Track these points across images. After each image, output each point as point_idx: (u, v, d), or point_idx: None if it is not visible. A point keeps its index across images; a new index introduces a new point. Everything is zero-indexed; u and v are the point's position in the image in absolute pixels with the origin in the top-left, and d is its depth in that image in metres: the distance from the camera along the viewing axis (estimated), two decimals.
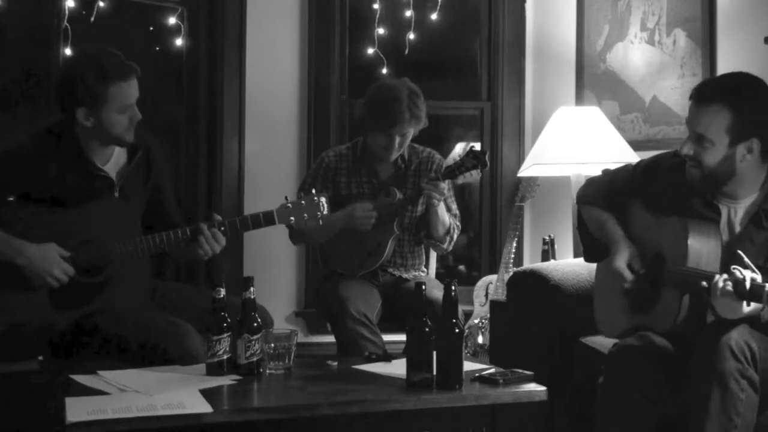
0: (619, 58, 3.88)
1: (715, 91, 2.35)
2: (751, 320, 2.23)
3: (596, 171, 3.48)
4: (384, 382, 2.27)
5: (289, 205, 2.65)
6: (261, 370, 2.29)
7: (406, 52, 4.24)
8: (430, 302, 2.59)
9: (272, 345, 2.32)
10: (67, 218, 2.59)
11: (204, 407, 1.96)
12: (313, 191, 2.70)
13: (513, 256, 3.78)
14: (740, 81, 2.39)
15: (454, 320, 2.16)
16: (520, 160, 4.17)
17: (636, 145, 3.55)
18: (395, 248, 3.28)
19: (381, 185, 3.28)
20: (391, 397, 2.12)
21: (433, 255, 3.56)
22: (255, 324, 2.27)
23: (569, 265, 3.05)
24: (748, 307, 2.16)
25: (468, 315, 3.78)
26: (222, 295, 2.29)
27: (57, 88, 2.60)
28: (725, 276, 2.18)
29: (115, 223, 2.63)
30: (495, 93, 4.30)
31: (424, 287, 2.20)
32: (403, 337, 2.26)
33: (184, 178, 4.11)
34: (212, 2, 4.03)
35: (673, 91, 3.57)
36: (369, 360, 2.55)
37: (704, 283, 2.21)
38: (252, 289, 2.30)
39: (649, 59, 3.71)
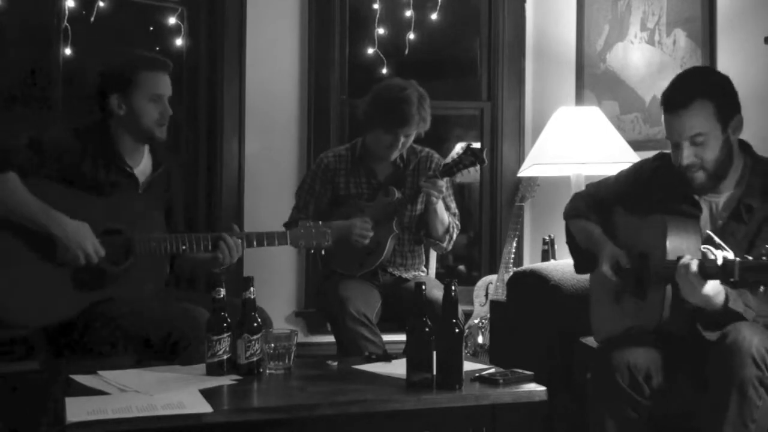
0: (619, 58, 3.88)
1: (689, 91, 2.39)
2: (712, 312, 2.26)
3: (596, 171, 3.49)
4: (384, 382, 2.27)
5: (302, 230, 2.83)
6: (261, 370, 2.29)
7: (406, 52, 4.24)
8: (430, 302, 2.59)
9: (272, 345, 2.32)
10: (95, 205, 2.66)
11: (204, 407, 1.96)
12: (320, 222, 2.86)
13: (513, 256, 3.78)
14: (703, 72, 2.54)
15: (454, 320, 2.16)
16: (520, 160, 4.17)
17: (636, 145, 3.55)
18: (395, 248, 3.28)
19: (380, 185, 3.29)
20: (391, 397, 2.12)
21: (433, 255, 3.56)
22: (255, 324, 2.27)
23: (569, 265, 3.03)
24: (708, 288, 2.18)
25: (468, 315, 3.78)
26: (222, 295, 2.30)
27: (96, 80, 2.77)
28: (692, 257, 2.22)
29: (140, 217, 2.71)
30: (495, 93, 4.30)
31: (424, 287, 2.20)
32: (403, 337, 2.26)
33: (185, 178, 4.11)
34: (212, 2, 4.03)
35: None
36: (369, 360, 2.55)
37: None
38: (252, 289, 2.30)
39: (649, 59, 3.71)
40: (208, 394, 2.08)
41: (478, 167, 3.14)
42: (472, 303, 3.84)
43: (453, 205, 3.36)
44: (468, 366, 2.26)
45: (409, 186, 3.28)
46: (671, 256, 2.29)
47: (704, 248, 2.27)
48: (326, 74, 4.11)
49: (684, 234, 2.33)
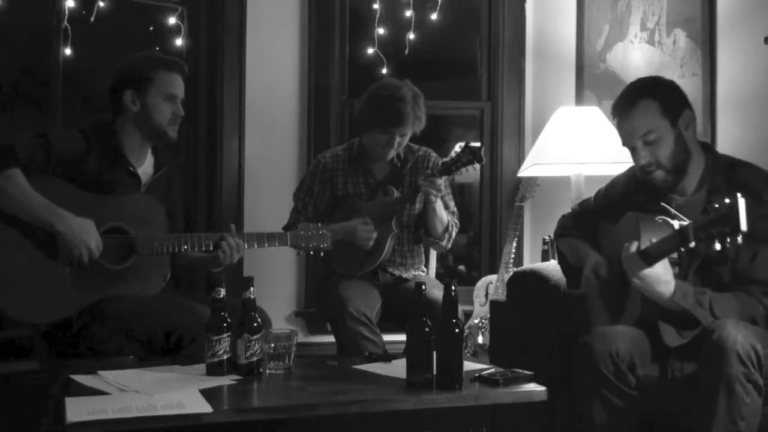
0: (619, 58, 3.88)
1: (634, 94, 2.49)
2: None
3: (596, 171, 3.50)
4: (384, 382, 2.27)
5: (302, 232, 2.85)
6: (261, 370, 2.30)
7: (406, 52, 4.24)
8: (430, 302, 2.59)
9: (272, 345, 2.32)
10: (99, 204, 2.67)
11: (204, 407, 1.96)
12: (320, 225, 2.88)
13: (513, 256, 3.78)
14: (645, 79, 2.61)
15: (454, 320, 2.16)
16: (520, 160, 4.17)
17: None
18: (395, 247, 3.28)
19: (378, 185, 3.29)
20: (391, 397, 2.12)
21: (433, 255, 3.56)
22: (255, 324, 2.27)
23: None
24: (651, 272, 2.24)
25: (468, 315, 3.78)
26: (222, 295, 2.30)
27: (112, 76, 2.79)
28: (636, 241, 2.30)
29: (142, 217, 2.73)
30: (495, 93, 4.30)
31: (424, 287, 2.20)
32: (403, 337, 2.26)
33: (185, 178, 4.11)
34: (212, 2, 4.03)
35: None
36: (369, 360, 2.56)
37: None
38: (252, 289, 2.30)
39: (649, 59, 3.71)
40: (208, 394, 2.08)
41: (476, 166, 3.14)
42: (472, 303, 3.84)
43: (452, 204, 3.36)
44: (468, 366, 2.26)
45: (407, 185, 3.28)
46: (646, 244, 2.32)
47: (660, 219, 2.34)
48: (326, 74, 4.11)
49: (657, 229, 2.35)
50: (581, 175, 3.56)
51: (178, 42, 3.98)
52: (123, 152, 2.77)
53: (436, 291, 2.94)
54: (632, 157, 2.51)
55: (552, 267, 3.03)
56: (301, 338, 3.71)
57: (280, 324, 3.90)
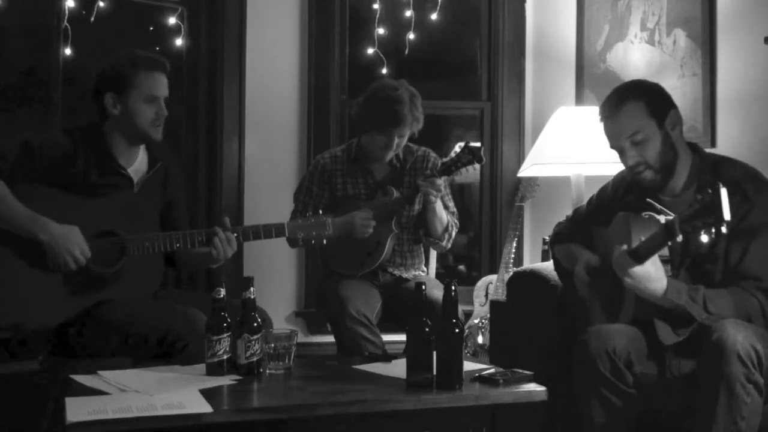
0: (619, 58, 3.88)
1: (619, 96, 2.51)
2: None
3: (596, 171, 3.49)
4: (384, 382, 2.27)
5: (300, 221, 2.79)
6: (261, 370, 2.30)
7: (406, 52, 4.24)
8: (430, 302, 2.59)
9: (272, 345, 2.32)
10: (87, 208, 2.65)
11: (204, 407, 1.96)
12: (321, 212, 2.84)
13: (513, 256, 3.78)
14: (631, 82, 2.63)
15: (454, 320, 2.16)
16: (520, 160, 4.17)
17: None
18: (394, 247, 3.28)
19: (377, 185, 3.28)
20: (391, 397, 2.12)
21: (433, 255, 3.56)
22: (255, 324, 2.27)
23: None
24: (641, 270, 2.24)
25: (468, 315, 3.78)
26: (222, 295, 2.30)
27: (92, 83, 2.75)
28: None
29: (133, 217, 2.70)
30: (495, 93, 4.30)
31: (424, 287, 2.20)
32: (403, 337, 2.26)
33: (185, 177, 4.11)
34: (212, 2, 4.03)
35: (673, 91, 3.53)
36: (369, 360, 2.56)
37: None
38: (252, 289, 2.30)
39: (649, 59, 3.71)
40: (208, 394, 2.08)
41: (476, 166, 3.14)
42: (472, 303, 3.84)
43: (451, 204, 3.35)
44: (468, 366, 2.26)
45: (407, 185, 3.28)
46: (635, 244, 2.33)
47: (646, 214, 2.36)
48: (326, 74, 4.11)
49: (647, 227, 2.36)
50: (581, 175, 3.56)
51: (178, 42, 3.98)
52: (111, 153, 2.73)
53: (436, 291, 2.94)
54: (620, 158, 2.53)
55: (552, 267, 3.02)
56: (301, 338, 3.71)
57: (280, 324, 3.90)
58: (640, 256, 2.26)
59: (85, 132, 2.74)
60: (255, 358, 2.27)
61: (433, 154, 3.36)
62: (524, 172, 3.70)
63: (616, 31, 3.90)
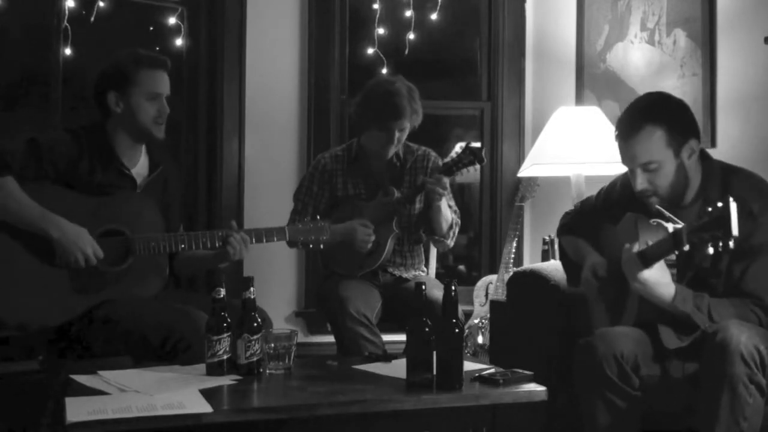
0: (619, 58, 3.88)
1: (639, 118, 2.41)
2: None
3: (596, 171, 3.50)
4: (384, 382, 2.27)
5: (300, 225, 2.84)
6: (261, 370, 2.29)
7: (406, 52, 4.24)
8: (430, 302, 2.59)
9: (272, 345, 2.32)
10: (92, 206, 2.67)
11: (204, 407, 1.96)
12: (318, 217, 2.90)
13: (513, 256, 3.78)
14: (653, 98, 2.50)
15: (454, 320, 2.15)
16: (520, 160, 4.17)
17: None
18: (395, 248, 3.28)
19: (377, 185, 3.28)
20: (391, 397, 2.12)
21: (433, 255, 3.56)
22: (255, 324, 2.27)
23: None
24: (649, 274, 2.24)
25: (468, 315, 3.78)
26: (222, 295, 2.30)
27: (94, 82, 2.76)
28: (636, 244, 2.29)
29: (138, 217, 2.72)
30: (495, 93, 4.30)
31: (424, 287, 2.20)
32: (403, 337, 2.26)
33: (185, 177, 4.11)
34: (212, 2, 4.03)
35: (674, 92, 3.53)
36: (369, 360, 2.56)
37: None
38: (252, 289, 2.30)
39: (649, 59, 3.71)
40: (208, 394, 2.08)
41: (477, 166, 3.14)
42: (472, 303, 3.84)
43: (452, 203, 3.35)
44: (468, 366, 2.26)
45: (407, 185, 3.28)
46: (644, 246, 2.32)
47: (654, 221, 2.33)
48: (326, 74, 4.11)
49: (655, 232, 2.36)
50: (581, 175, 3.56)
51: (178, 42, 3.98)
52: (115, 153, 2.75)
53: (436, 291, 2.94)
54: (629, 176, 2.48)
55: (552, 267, 3.03)
56: (301, 338, 3.71)
57: (280, 324, 3.90)
58: (647, 259, 2.26)
59: (88, 131, 2.75)
60: (255, 358, 2.27)
61: (433, 154, 3.36)
62: (524, 172, 3.70)
63: (616, 31, 3.90)
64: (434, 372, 2.16)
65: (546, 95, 4.26)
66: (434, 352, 2.16)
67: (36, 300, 2.57)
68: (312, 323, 4.08)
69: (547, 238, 3.73)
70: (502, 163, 4.27)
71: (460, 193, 4.55)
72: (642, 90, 3.74)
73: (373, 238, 3.14)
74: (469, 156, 3.11)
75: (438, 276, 3.68)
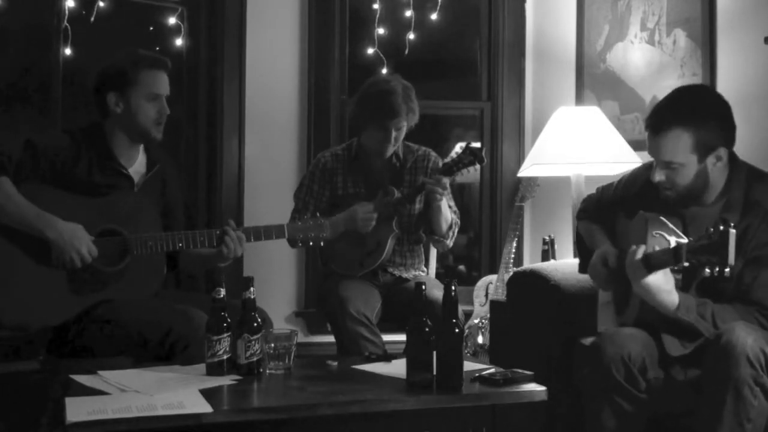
0: (619, 58, 3.88)
1: (670, 117, 2.37)
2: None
3: (596, 171, 3.50)
4: (384, 382, 2.27)
5: (299, 223, 2.82)
6: (261, 370, 2.29)
7: (406, 52, 4.24)
8: (430, 302, 2.59)
9: (272, 345, 2.32)
10: (89, 206, 2.66)
11: (204, 407, 1.96)
12: (318, 214, 2.87)
13: (513, 256, 3.78)
14: (692, 98, 2.43)
15: (454, 320, 2.15)
16: (520, 160, 4.17)
17: (636, 145, 3.55)
18: (395, 248, 3.28)
19: (377, 184, 3.28)
20: (391, 397, 2.12)
21: (433, 255, 3.56)
22: (255, 324, 2.27)
23: (569, 265, 3.05)
24: (653, 279, 2.24)
25: (468, 315, 3.78)
26: (222, 295, 2.30)
27: (94, 81, 2.75)
28: (643, 246, 2.27)
29: (135, 217, 2.71)
30: (495, 93, 4.30)
31: (424, 287, 2.20)
32: (403, 337, 2.26)
33: (185, 177, 4.11)
34: (212, 2, 4.03)
35: None
36: (369, 360, 2.55)
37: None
38: (252, 289, 2.30)
39: (649, 59, 3.71)
40: (208, 394, 2.08)
41: (477, 167, 3.14)
42: (472, 303, 3.84)
43: (452, 203, 3.36)
44: (468, 366, 2.26)
45: (407, 185, 3.28)
46: (650, 250, 2.32)
47: (656, 233, 2.30)
48: (326, 74, 4.11)
49: (665, 230, 2.35)
50: (581, 175, 3.56)
51: (178, 42, 3.98)
52: (113, 153, 2.75)
53: (436, 291, 2.94)
54: (652, 166, 2.47)
55: (552, 267, 3.03)
56: (301, 338, 3.71)
57: (280, 324, 3.90)
58: (651, 265, 2.25)
59: (86, 132, 2.75)
60: (255, 358, 2.27)
61: (433, 154, 3.36)
62: (524, 172, 3.70)
63: (616, 31, 3.90)
64: (434, 372, 2.16)
65: (546, 95, 4.26)
66: (434, 352, 2.16)
67: (34, 301, 2.57)
68: (312, 323, 4.08)
69: (547, 238, 3.73)
70: (502, 163, 4.27)
71: (460, 193, 4.55)
72: (642, 90, 3.75)
73: (375, 215, 3.13)
74: (470, 156, 3.11)
75: (438, 276, 3.68)
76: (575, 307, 2.84)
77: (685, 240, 2.21)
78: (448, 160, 3.16)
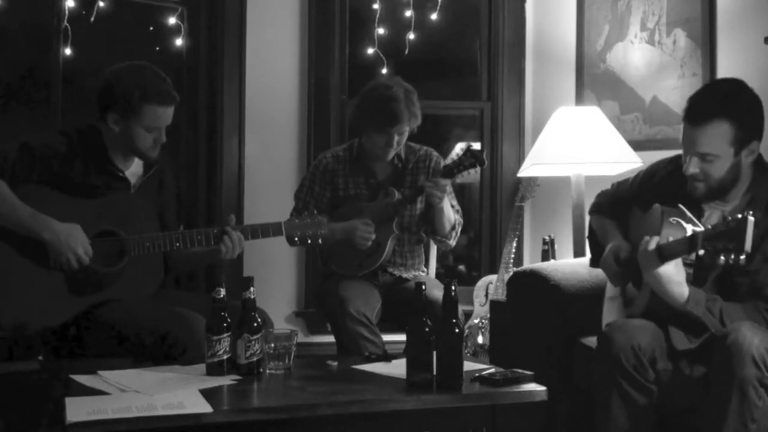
0: (619, 58, 3.88)
1: (710, 108, 2.37)
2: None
3: (596, 171, 3.50)
4: (384, 382, 2.27)
5: (297, 220, 2.79)
6: (261, 370, 2.29)
7: (406, 52, 4.24)
8: (430, 302, 2.59)
9: (272, 345, 2.32)
10: (86, 208, 2.66)
11: (204, 407, 1.96)
12: (315, 211, 2.85)
13: (513, 256, 3.78)
14: (730, 89, 2.42)
15: (454, 320, 2.15)
16: (520, 160, 4.17)
17: (636, 145, 3.55)
18: (395, 248, 3.28)
19: (379, 185, 3.28)
20: (391, 397, 2.12)
21: (433, 255, 3.56)
22: (255, 324, 2.27)
23: (569, 265, 3.05)
24: (665, 269, 2.24)
25: (468, 315, 3.78)
26: (222, 295, 2.30)
27: (99, 89, 2.71)
28: (657, 237, 2.29)
29: (132, 218, 2.71)
30: (495, 93, 4.30)
31: (424, 287, 2.20)
32: (403, 337, 2.26)
33: (185, 177, 4.11)
34: (212, 2, 4.03)
35: (674, 91, 3.57)
36: (369, 360, 2.56)
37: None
38: (252, 289, 2.30)
39: (649, 59, 3.71)
40: (208, 394, 2.08)
41: (478, 168, 3.14)
42: (472, 303, 3.84)
43: (455, 202, 3.36)
44: (468, 366, 2.26)
45: (409, 185, 3.28)
46: (664, 241, 2.33)
47: (674, 220, 2.32)
48: (326, 74, 4.11)
49: (678, 228, 2.35)
50: (581, 175, 3.56)
51: (178, 42, 3.98)
52: (109, 155, 2.74)
53: (436, 291, 2.94)
54: (683, 156, 2.45)
55: (552, 267, 3.03)
56: (301, 338, 3.71)
57: (280, 324, 3.90)
58: (663, 255, 2.26)
59: (83, 134, 2.74)
60: (255, 358, 2.27)
61: (435, 154, 3.36)
62: (524, 172, 3.70)
63: (616, 31, 3.90)
64: (434, 372, 2.16)
65: (546, 95, 4.26)
66: (434, 352, 2.16)
67: (32, 302, 2.57)
68: (312, 323, 4.08)
69: (547, 238, 3.73)
70: (502, 163, 4.27)
71: (461, 193, 4.55)
72: (642, 90, 3.75)
73: (373, 236, 3.14)
74: (470, 158, 3.11)
75: (438, 276, 3.68)
76: (575, 307, 2.84)
77: (701, 228, 2.21)
78: (448, 162, 3.16)
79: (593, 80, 4.02)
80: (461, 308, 2.73)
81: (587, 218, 2.93)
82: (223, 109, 3.99)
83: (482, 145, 4.27)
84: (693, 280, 2.37)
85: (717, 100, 2.40)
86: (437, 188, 3.10)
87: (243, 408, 2.05)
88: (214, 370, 2.27)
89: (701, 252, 2.16)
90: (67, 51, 3.74)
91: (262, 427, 2.01)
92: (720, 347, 2.19)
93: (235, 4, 3.99)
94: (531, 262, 4.14)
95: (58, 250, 2.54)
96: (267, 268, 3.93)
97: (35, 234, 2.54)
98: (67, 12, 3.72)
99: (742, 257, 2.05)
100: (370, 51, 4.19)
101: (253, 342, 2.27)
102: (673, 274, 2.28)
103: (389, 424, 2.12)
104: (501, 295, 3.60)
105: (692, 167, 2.40)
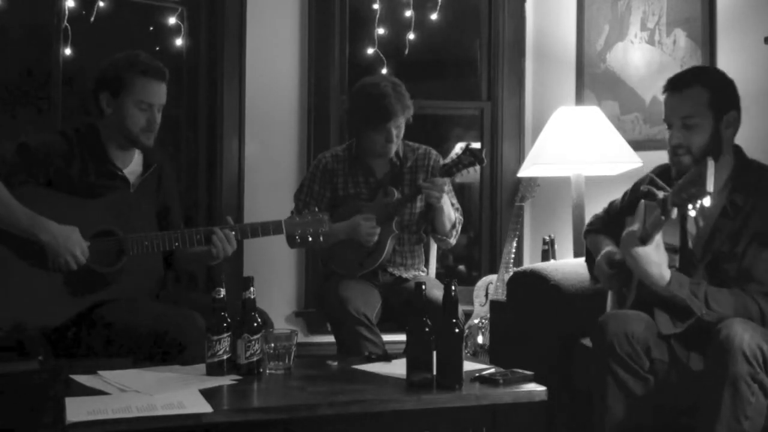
0: (619, 58, 3.88)
1: (687, 77, 2.53)
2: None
3: (596, 171, 3.50)
4: (384, 382, 2.27)
5: (297, 218, 2.77)
6: (261, 370, 2.30)
7: (406, 52, 4.24)
8: (430, 302, 2.59)
9: (272, 345, 2.32)
10: (84, 208, 2.66)
11: (204, 407, 1.96)
12: (317, 209, 2.83)
13: (513, 256, 3.78)
14: (705, 68, 2.70)
15: (454, 320, 2.16)
16: (520, 160, 4.17)
17: (636, 145, 3.55)
18: (395, 247, 3.28)
19: (378, 184, 3.28)
20: (391, 397, 2.12)
21: (433, 255, 3.56)
22: (255, 324, 2.27)
23: (569, 265, 3.05)
24: (643, 251, 2.28)
25: (468, 315, 3.78)
26: (222, 295, 2.30)
27: (94, 79, 2.74)
28: (638, 223, 2.35)
29: (131, 217, 2.71)
30: (495, 93, 4.30)
31: (424, 287, 2.20)
32: (403, 337, 2.26)
33: (185, 177, 4.12)
34: (212, 2, 4.03)
35: None
36: (369, 360, 2.56)
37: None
38: (252, 289, 2.30)
39: (649, 59, 3.71)
40: (208, 394, 2.08)
41: (477, 167, 3.14)
42: (472, 303, 3.84)
43: (455, 201, 3.36)
44: (468, 366, 2.26)
45: (408, 184, 3.28)
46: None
47: (645, 187, 2.42)
48: (326, 74, 4.11)
49: (654, 209, 2.37)
50: (581, 175, 3.56)
51: (178, 42, 3.98)
52: (107, 154, 2.74)
53: (436, 291, 2.94)
54: (668, 134, 2.53)
55: (552, 267, 3.03)
56: (301, 338, 3.71)
57: (280, 324, 3.90)
58: (643, 237, 2.29)
59: (81, 133, 2.74)
60: (255, 358, 2.27)
61: (434, 153, 3.36)
62: (524, 172, 3.70)
63: (616, 31, 3.90)
64: (434, 372, 2.16)
65: (546, 95, 4.26)
66: (434, 352, 2.16)
67: (31, 303, 2.57)
68: (312, 323, 4.08)
69: (547, 238, 3.73)
70: (502, 163, 4.27)
71: (461, 193, 4.55)
72: (642, 90, 3.75)
73: (378, 230, 3.14)
74: (470, 157, 3.11)
75: (438, 276, 3.68)
76: (575, 307, 2.84)
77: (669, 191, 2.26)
78: (447, 160, 3.16)
79: (593, 80, 4.02)
80: (461, 308, 2.73)
81: (587, 217, 2.94)
82: (223, 109, 3.99)
83: (482, 145, 4.27)
84: (681, 267, 2.39)
85: (696, 72, 2.61)
86: (435, 188, 3.10)
87: (243, 408, 2.05)
88: (214, 370, 2.27)
89: (674, 213, 2.18)
90: (67, 51, 3.74)
91: (262, 427, 2.01)
92: (713, 343, 2.20)
93: (235, 4, 3.99)
94: (531, 262, 4.14)
95: (56, 252, 2.54)
96: (267, 268, 3.93)
97: (33, 236, 2.54)
98: (67, 12, 3.72)
99: (706, 198, 2.08)
100: (370, 51, 4.19)
101: (253, 342, 2.27)
102: (653, 254, 2.30)
103: (389, 424, 2.11)
104: (501, 295, 3.60)
105: (675, 137, 2.48)
